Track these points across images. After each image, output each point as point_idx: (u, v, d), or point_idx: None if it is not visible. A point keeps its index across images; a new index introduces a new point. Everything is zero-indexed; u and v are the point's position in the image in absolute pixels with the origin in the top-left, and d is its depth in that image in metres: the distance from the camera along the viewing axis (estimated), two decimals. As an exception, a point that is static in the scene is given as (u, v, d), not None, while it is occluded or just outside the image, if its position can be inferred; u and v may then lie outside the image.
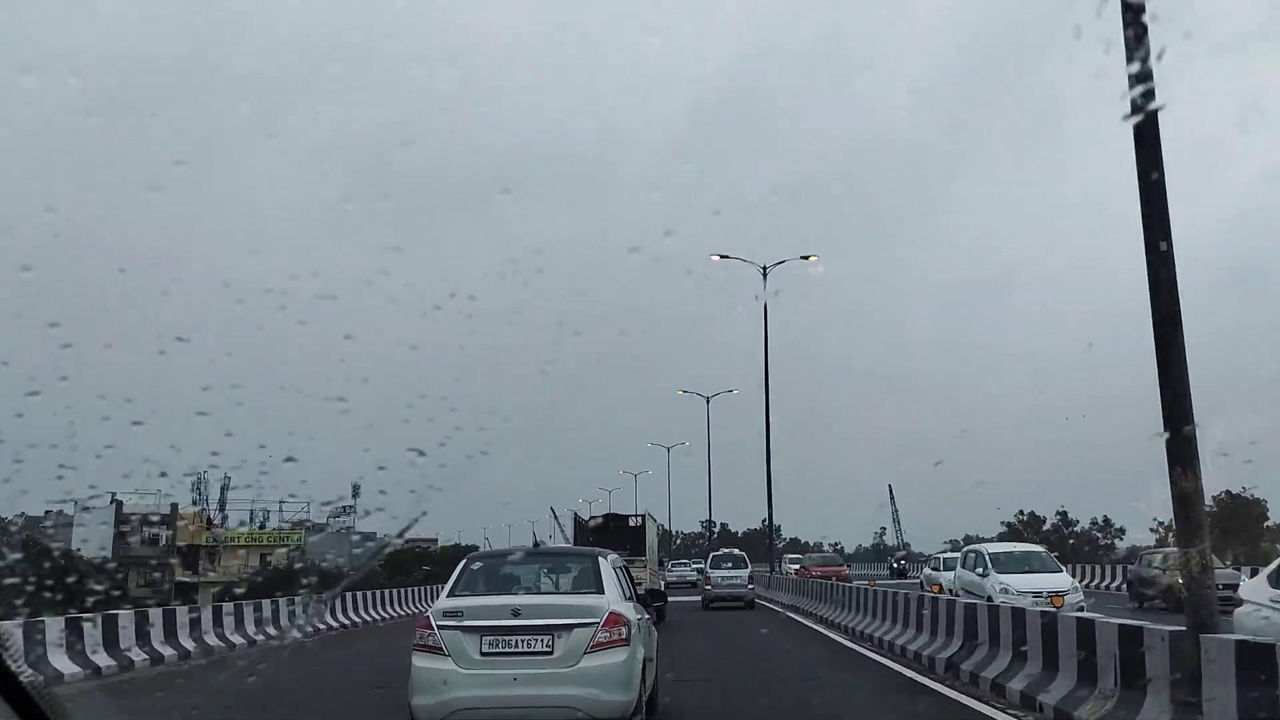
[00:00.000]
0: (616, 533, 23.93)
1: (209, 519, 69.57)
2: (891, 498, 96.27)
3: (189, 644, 17.71)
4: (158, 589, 57.32)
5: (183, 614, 18.37)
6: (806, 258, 38.56)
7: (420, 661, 7.69)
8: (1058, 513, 76.53)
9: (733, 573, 29.41)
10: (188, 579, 61.89)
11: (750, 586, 29.57)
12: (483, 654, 7.57)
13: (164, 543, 63.66)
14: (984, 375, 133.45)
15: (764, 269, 38.23)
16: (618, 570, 8.83)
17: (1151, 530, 62.53)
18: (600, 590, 8.16)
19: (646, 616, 9.10)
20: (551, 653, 7.56)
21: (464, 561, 8.86)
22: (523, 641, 7.59)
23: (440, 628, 7.67)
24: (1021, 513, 77.13)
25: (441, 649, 7.61)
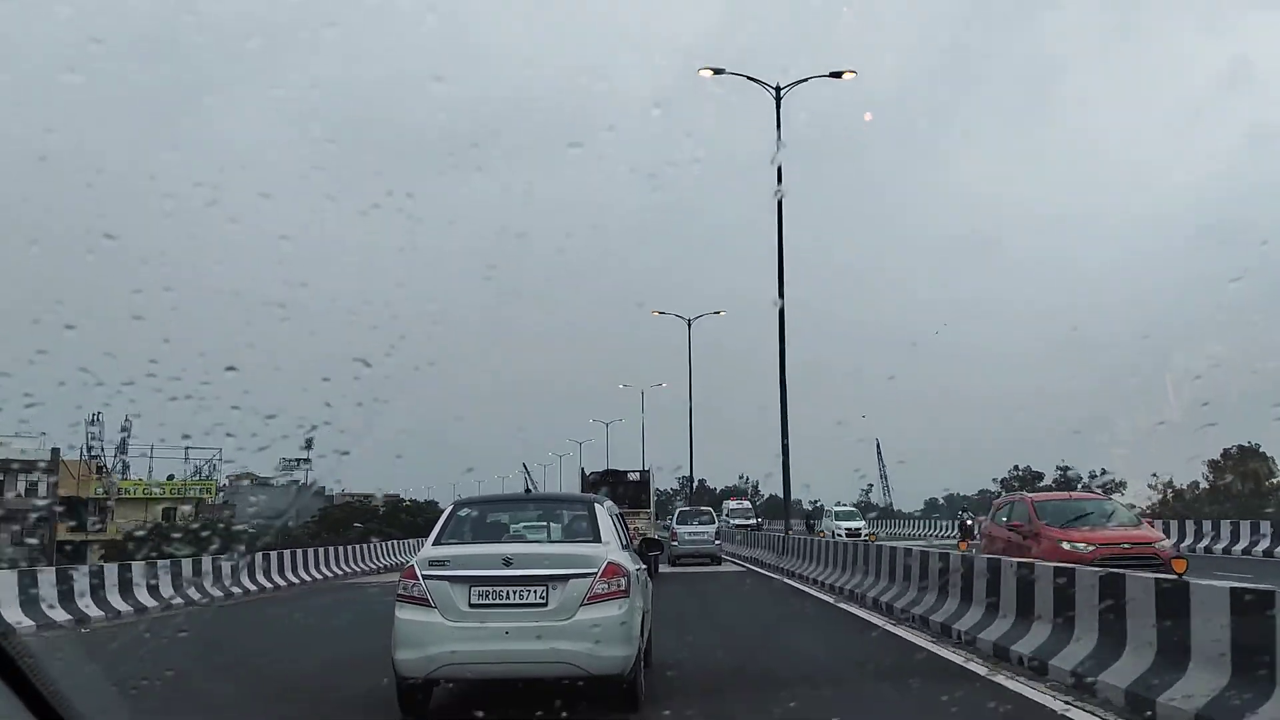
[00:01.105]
0: (617, 488, 24.99)
1: (100, 466, 61.19)
2: (879, 454, 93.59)
3: (94, 608, 16.26)
4: (32, 550, 50.12)
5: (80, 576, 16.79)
6: (838, 74, 26.57)
7: (404, 614, 7.09)
8: (1058, 468, 73.91)
9: (699, 529, 29.75)
10: (74, 537, 54.71)
11: (717, 543, 29.98)
12: (472, 605, 7.00)
13: (44, 493, 56.08)
14: (978, 329, 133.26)
15: (778, 90, 26.53)
16: (614, 517, 8.30)
17: (1151, 487, 59.04)
18: (597, 539, 7.62)
19: (643, 566, 8.61)
20: (546, 604, 7.02)
21: (450, 507, 8.25)
22: (515, 593, 7.03)
23: (426, 577, 7.07)
24: (1016, 468, 75.98)
25: (428, 600, 7.02)
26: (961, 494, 79.05)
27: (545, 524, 8.47)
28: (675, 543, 29.69)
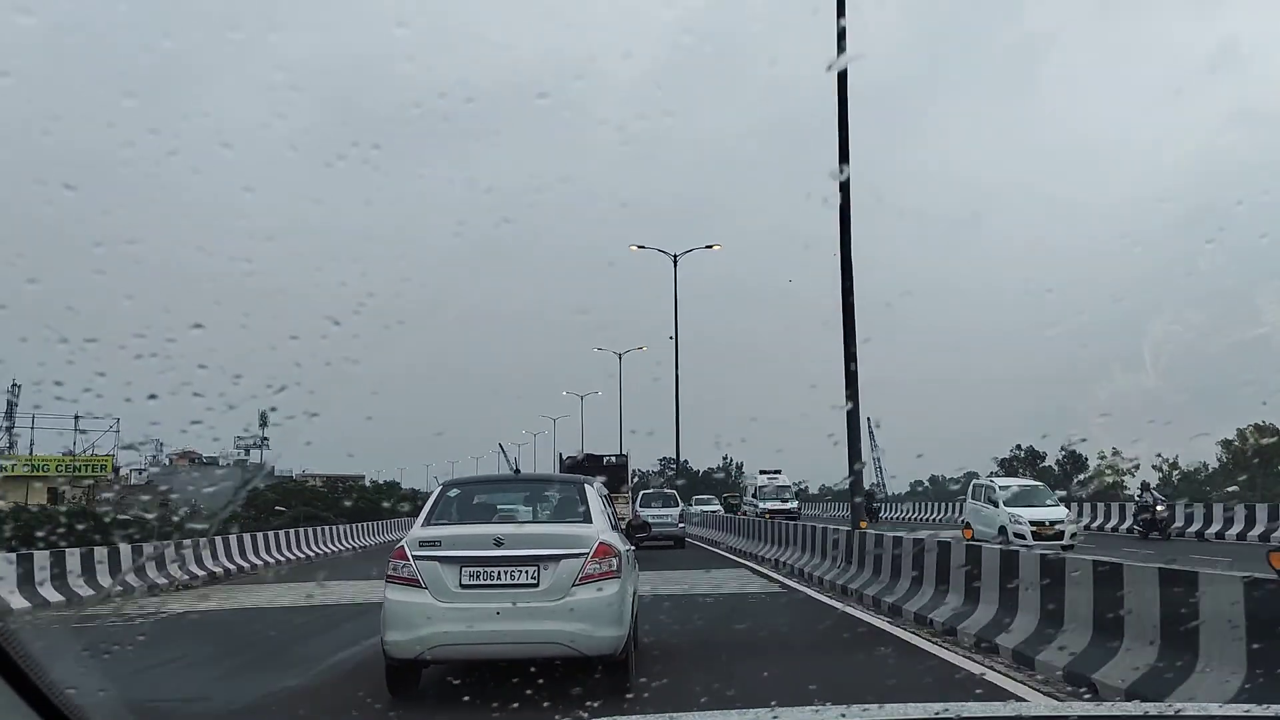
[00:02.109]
0: (594, 472, 25.14)
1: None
2: (871, 434, 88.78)
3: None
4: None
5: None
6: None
7: (394, 595, 7.08)
8: (1062, 448, 69.69)
9: (663, 511, 29.58)
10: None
11: (680, 525, 29.90)
12: (462, 586, 6.98)
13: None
14: (968, 309, 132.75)
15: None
16: (604, 498, 8.28)
17: (1154, 468, 57.60)
18: (588, 519, 7.59)
19: (632, 548, 8.60)
20: (537, 585, 7.00)
21: (439, 488, 8.21)
22: (506, 573, 7.02)
23: (416, 558, 7.05)
24: (1019, 447, 71.68)
25: (418, 581, 7.00)
26: (947, 476, 76.94)
27: (535, 504, 8.46)
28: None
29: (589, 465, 27.11)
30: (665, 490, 32.97)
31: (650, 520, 28.85)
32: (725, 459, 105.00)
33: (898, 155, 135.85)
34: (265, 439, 66.81)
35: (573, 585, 6.98)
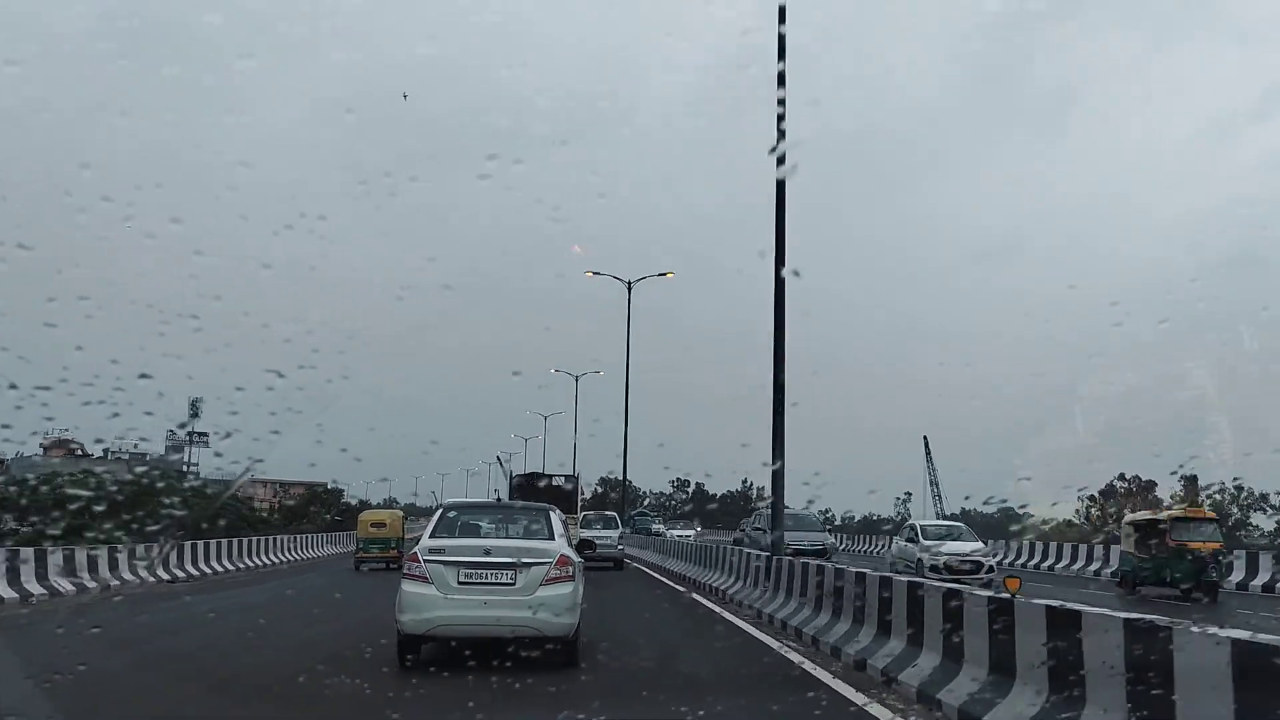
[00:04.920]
0: (546, 493, 25.36)
1: None
2: (927, 453, 77.00)
3: None
4: None
5: None
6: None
7: (409, 587, 9.70)
8: (1181, 477, 50.37)
9: (603, 533, 30.12)
10: None
11: (620, 547, 30.62)
12: (459, 583, 9.63)
13: None
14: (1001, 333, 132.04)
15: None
16: (563, 522, 11.01)
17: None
18: (552, 538, 10.30)
19: (581, 560, 11.29)
20: (514, 584, 9.67)
21: (440, 510, 10.90)
22: (492, 574, 9.67)
23: (426, 561, 9.69)
24: (1123, 476, 60.18)
25: (426, 578, 9.63)
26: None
27: (512, 525, 11.10)
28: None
29: (540, 485, 27.70)
30: (606, 514, 34.18)
31: (594, 540, 29.40)
32: (745, 482, 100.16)
33: (933, 183, 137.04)
34: (201, 434, 64.64)
35: (540, 585, 9.67)
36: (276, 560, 34.08)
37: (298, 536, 35.78)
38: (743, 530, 32.83)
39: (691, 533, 51.88)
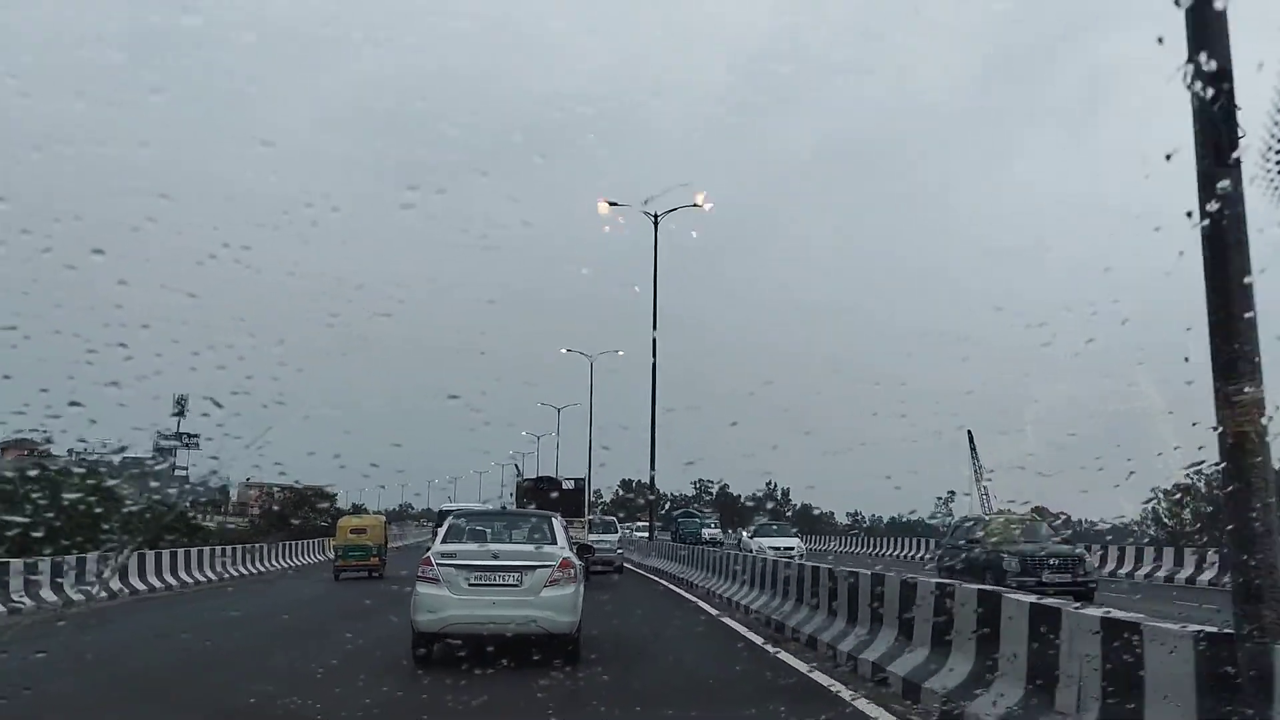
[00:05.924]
0: (551, 495, 25.24)
1: None
2: (972, 447, 67.85)
3: None
4: None
5: None
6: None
7: (423, 589, 10.45)
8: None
9: (602, 538, 29.83)
10: None
11: (619, 551, 30.94)
12: (470, 585, 10.38)
13: None
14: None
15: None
16: (564, 528, 11.80)
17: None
18: (555, 542, 11.07)
19: (582, 564, 12.06)
20: (520, 585, 10.42)
21: (450, 518, 11.68)
22: (499, 576, 10.43)
23: (439, 564, 10.45)
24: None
25: (439, 580, 10.39)
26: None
27: (517, 530, 11.86)
28: None
29: (546, 488, 27.21)
30: (606, 518, 34.53)
31: (594, 545, 29.14)
32: (769, 484, 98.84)
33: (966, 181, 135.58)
34: (192, 436, 60.66)
35: (544, 586, 10.43)
36: (239, 573, 30.11)
37: (259, 546, 32.98)
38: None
39: (795, 544, 35.80)
